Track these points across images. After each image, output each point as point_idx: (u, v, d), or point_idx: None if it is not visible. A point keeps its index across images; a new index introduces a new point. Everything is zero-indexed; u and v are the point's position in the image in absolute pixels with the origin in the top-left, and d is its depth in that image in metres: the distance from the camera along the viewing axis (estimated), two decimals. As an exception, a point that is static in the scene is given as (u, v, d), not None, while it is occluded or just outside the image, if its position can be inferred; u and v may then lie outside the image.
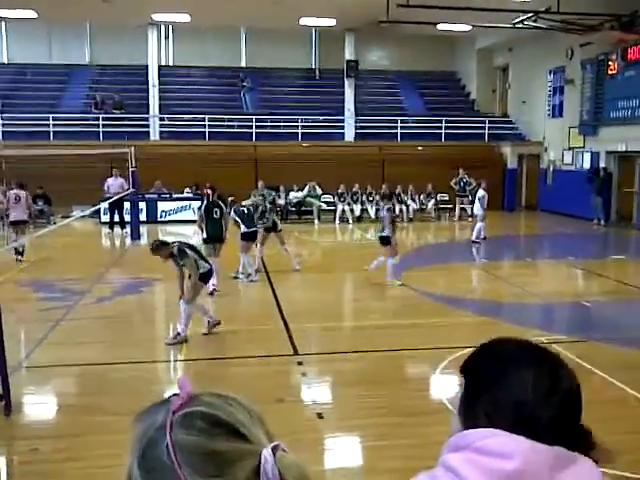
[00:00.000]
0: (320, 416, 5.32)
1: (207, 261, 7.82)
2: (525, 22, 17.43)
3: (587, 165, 19.79)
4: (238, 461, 0.81)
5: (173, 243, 7.55)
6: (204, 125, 21.83)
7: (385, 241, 10.44)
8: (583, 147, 20.08)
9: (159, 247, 7.47)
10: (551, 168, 21.85)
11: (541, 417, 1.20)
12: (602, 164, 19.05)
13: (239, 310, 9.49)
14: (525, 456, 1.13)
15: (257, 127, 22.19)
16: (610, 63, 18.38)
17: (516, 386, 1.22)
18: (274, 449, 0.82)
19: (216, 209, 10.08)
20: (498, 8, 16.64)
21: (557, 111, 21.70)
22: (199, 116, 21.99)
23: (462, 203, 19.97)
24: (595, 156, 19.44)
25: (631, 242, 16.40)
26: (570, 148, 20.76)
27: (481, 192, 15.21)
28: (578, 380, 1.27)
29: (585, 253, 13.76)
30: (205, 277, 7.70)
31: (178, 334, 7.35)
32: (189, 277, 7.42)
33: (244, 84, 23.73)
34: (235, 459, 0.81)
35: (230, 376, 6.27)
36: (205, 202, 10.33)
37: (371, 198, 20.15)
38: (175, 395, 0.86)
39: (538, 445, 1.16)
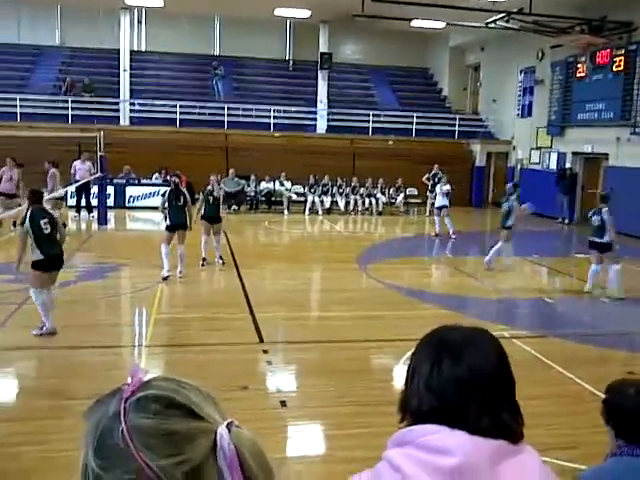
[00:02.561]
0: (283, 404, 5.37)
1: (53, 247, 6.83)
2: (497, 22, 17.64)
3: (554, 165, 20.15)
4: (195, 439, 0.81)
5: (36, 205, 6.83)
6: (175, 112, 21.62)
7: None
8: (550, 147, 20.44)
9: (31, 195, 6.97)
10: (518, 167, 22.20)
11: (468, 408, 1.23)
12: (568, 164, 19.41)
13: (205, 297, 9.47)
14: (465, 452, 1.16)
15: (229, 115, 22.07)
16: (579, 66, 18.71)
17: (444, 379, 1.25)
18: (229, 426, 0.84)
19: (180, 196, 10.00)
20: (471, 7, 16.81)
21: (526, 111, 22.03)
22: (170, 102, 21.76)
23: (434, 198, 20.15)
24: (562, 156, 19.81)
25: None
26: (538, 148, 21.11)
27: (448, 186, 15.41)
28: (507, 371, 1.30)
29: (549, 251, 14.03)
30: (41, 265, 6.74)
31: (43, 326, 6.82)
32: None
33: (217, 72, 23.52)
34: (192, 437, 0.81)
35: (194, 363, 6.27)
36: (169, 189, 10.30)
37: (341, 190, 20.22)
38: (126, 384, 0.86)
39: (478, 440, 1.19)
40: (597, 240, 9.66)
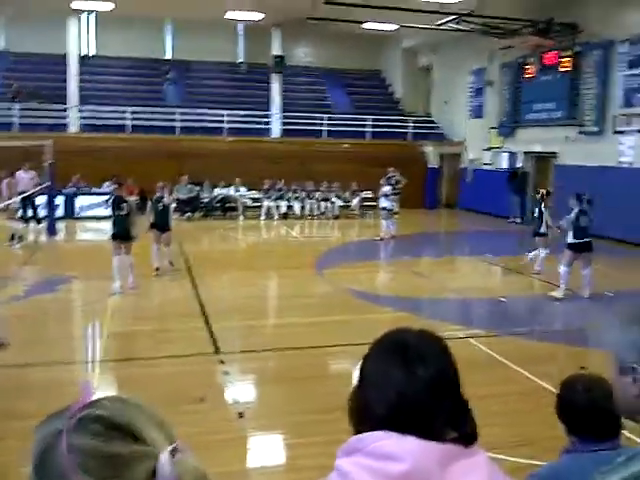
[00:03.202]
0: (241, 415, 5.28)
1: None
2: (448, 24, 17.89)
3: (505, 165, 20.52)
4: (135, 463, 0.80)
5: None
6: (126, 118, 21.25)
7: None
8: (502, 147, 20.82)
9: None
10: (471, 168, 22.53)
11: (420, 412, 1.22)
12: (519, 164, 19.79)
13: (159, 308, 9.29)
14: (415, 457, 1.15)
15: (181, 121, 21.80)
16: (528, 67, 19.11)
17: (396, 384, 1.23)
18: (173, 451, 0.82)
19: (123, 205, 9.72)
20: (422, 9, 17.00)
21: (477, 112, 22.38)
22: (121, 108, 21.37)
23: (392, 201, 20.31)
24: (513, 156, 20.19)
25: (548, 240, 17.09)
26: (489, 148, 21.47)
27: (388, 187, 15.54)
28: (456, 373, 1.29)
29: (502, 250, 14.23)
30: None
31: None
32: None
33: (168, 76, 23.22)
34: (131, 461, 0.80)
35: (148, 377, 6.13)
36: (111, 198, 10.10)
37: (297, 195, 20.18)
38: (76, 402, 0.85)
39: (429, 444, 1.18)
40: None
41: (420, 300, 10.02)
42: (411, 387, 1.22)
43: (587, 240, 9.56)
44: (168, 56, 25.35)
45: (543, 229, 11.34)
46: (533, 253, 11.76)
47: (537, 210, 11.64)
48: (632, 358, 1.24)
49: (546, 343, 7.58)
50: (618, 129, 13.53)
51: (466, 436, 1.24)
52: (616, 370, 1.30)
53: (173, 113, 21.75)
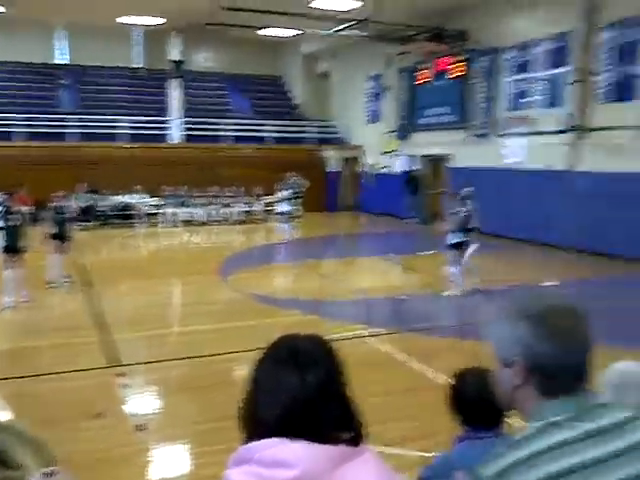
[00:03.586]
0: (142, 428, 5.14)
1: None
2: (346, 30, 18.21)
3: (402, 168, 21.14)
4: None
5: None
6: (19, 125, 20.18)
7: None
8: (398, 151, 21.43)
9: None
10: (369, 171, 23.05)
11: (310, 416, 1.24)
12: (415, 167, 20.43)
13: (54, 322, 8.87)
14: (305, 462, 1.16)
15: (77, 127, 20.97)
16: (422, 72, 19.78)
17: (286, 390, 1.24)
18: (46, 475, 0.80)
19: (11, 216, 9.26)
20: (320, 15, 17.23)
21: (375, 116, 22.93)
22: (14, 115, 20.27)
23: (295, 204, 20.41)
24: (409, 159, 20.82)
25: (440, 238, 17.74)
26: (386, 152, 22.04)
27: (286, 192, 15.68)
28: (343, 376, 1.32)
29: (401, 250, 14.64)
30: None
31: None
32: None
33: (63, 82, 22.29)
34: None
35: (44, 394, 5.86)
36: (2, 208, 9.60)
37: (199, 200, 19.91)
38: None
39: (318, 448, 1.19)
40: None
41: (324, 301, 10.13)
42: (303, 392, 1.23)
43: (466, 238, 9.95)
44: (62, 61, 24.32)
45: (474, 224, 11.43)
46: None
47: (466, 208, 11.92)
48: (514, 351, 1.30)
49: (445, 338, 7.87)
50: (504, 132, 14.25)
51: (355, 436, 1.27)
52: (499, 363, 1.35)
53: (69, 119, 20.89)
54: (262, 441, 1.21)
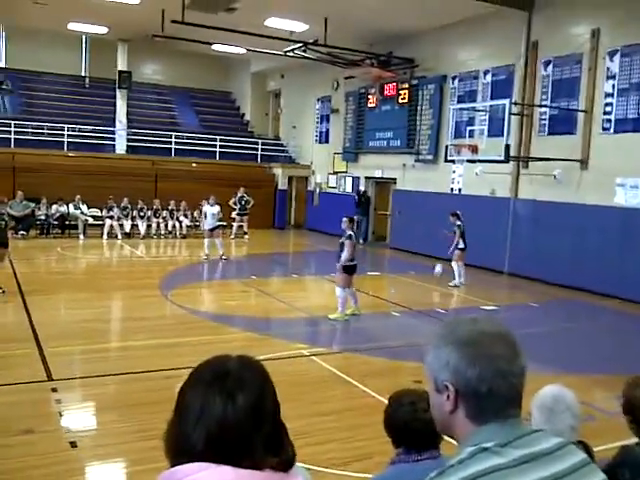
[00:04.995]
0: (74, 445, 4.99)
1: None
2: (295, 51, 18.38)
3: (349, 189, 21.38)
4: None
5: None
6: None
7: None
8: (346, 172, 21.67)
9: None
10: (317, 190, 23.22)
11: (238, 440, 1.20)
12: (362, 188, 20.70)
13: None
14: None
15: (17, 133, 20.38)
16: (370, 97, 20.11)
17: (215, 414, 1.21)
18: None
19: None
20: (270, 35, 17.35)
21: (324, 137, 23.16)
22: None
23: (242, 221, 20.33)
24: (356, 181, 21.09)
25: (385, 259, 18.00)
26: (335, 172, 22.27)
27: (217, 207, 15.57)
28: (275, 398, 1.31)
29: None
30: None
31: None
32: None
33: (3, 86, 21.66)
34: None
35: (-31, 409, 5.61)
36: None
37: (142, 213, 19.58)
38: None
39: (244, 474, 1.17)
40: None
41: (268, 319, 10.10)
42: (231, 417, 1.20)
43: (356, 262, 9.95)
44: (2, 64, 23.65)
45: (462, 245, 12.78)
46: (438, 267, 13.03)
47: (456, 228, 12.93)
48: (445, 376, 1.29)
49: (384, 358, 7.92)
50: (449, 158, 14.62)
51: (285, 461, 1.24)
52: (432, 388, 1.34)
53: (8, 125, 20.27)
54: (186, 465, 1.17)
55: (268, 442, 1.23)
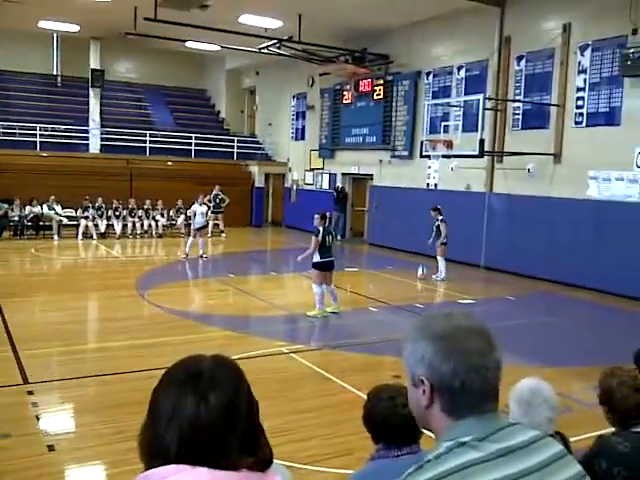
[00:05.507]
0: (52, 448, 4.94)
1: None
2: (270, 48, 18.32)
3: (326, 185, 21.40)
4: None
5: None
6: None
7: None
8: (322, 169, 21.67)
9: None
10: (294, 187, 23.20)
11: (214, 441, 1.19)
12: (339, 184, 20.72)
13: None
14: None
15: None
16: (345, 93, 20.12)
17: (189, 414, 1.20)
18: None
19: None
20: (244, 32, 17.27)
21: (300, 134, 23.13)
22: None
23: (217, 219, 20.23)
24: (333, 177, 21.10)
25: (363, 255, 18.05)
26: (311, 169, 22.26)
27: (204, 207, 15.59)
28: (251, 397, 1.29)
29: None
30: None
31: None
32: None
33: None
34: None
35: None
36: None
37: (117, 213, 19.40)
38: None
39: (220, 475, 1.16)
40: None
41: (247, 317, 10.09)
42: (204, 417, 1.18)
43: (331, 259, 9.91)
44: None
45: (444, 240, 13.03)
46: (421, 268, 13.32)
47: (440, 223, 13.12)
48: (420, 371, 1.29)
49: (363, 354, 7.95)
50: (425, 153, 14.70)
51: (262, 460, 1.24)
52: (410, 383, 1.34)
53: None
54: (163, 468, 1.15)
55: (243, 442, 1.22)
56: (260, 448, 1.25)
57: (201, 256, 15.33)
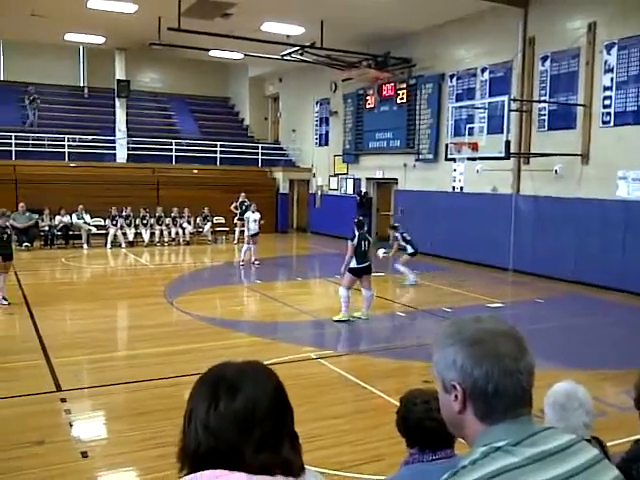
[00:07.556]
0: (85, 455, 4.99)
1: None
2: (292, 55, 18.40)
3: (350, 190, 21.38)
4: None
5: None
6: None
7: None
8: (346, 174, 21.67)
9: None
10: (319, 193, 23.23)
11: (247, 445, 1.21)
12: (363, 189, 20.69)
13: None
14: None
15: (17, 145, 20.43)
16: (368, 98, 20.12)
17: (221, 417, 1.22)
18: None
19: None
20: (267, 39, 17.38)
21: (323, 140, 23.17)
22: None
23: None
24: (357, 182, 21.09)
25: (389, 259, 17.95)
26: (335, 174, 22.28)
27: (258, 214, 15.72)
28: (284, 402, 1.30)
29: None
30: None
31: None
32: None
33: (33, 101, 21.88)
34: None
35: (-20, 422, 5.62)
36: None
37: (145, 221, 19.62)
38: None
39: (255, 479, 1.18)
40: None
41: (275, 323, 10.10)
42: (212, 422, 1.20)
43: (367, 263, 9.86)
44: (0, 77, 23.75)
45: (411, 250, 13.20)
46: (382, 251, 13.52)
47: (395, 242, 13.47)
48: (452, 376, 1.28)
49: (391, 359, 7.91)
50: (450, 157, 14.61)
51: (294, 466, 1.24)
52: (440, 388, 1.33)
53: (8, 137, 20.32)
54: (198, 473, 1.17)
55: (260, 446, 1.21)
56: (291, 454, 1.25)
57: (253, 262, 15.49)
